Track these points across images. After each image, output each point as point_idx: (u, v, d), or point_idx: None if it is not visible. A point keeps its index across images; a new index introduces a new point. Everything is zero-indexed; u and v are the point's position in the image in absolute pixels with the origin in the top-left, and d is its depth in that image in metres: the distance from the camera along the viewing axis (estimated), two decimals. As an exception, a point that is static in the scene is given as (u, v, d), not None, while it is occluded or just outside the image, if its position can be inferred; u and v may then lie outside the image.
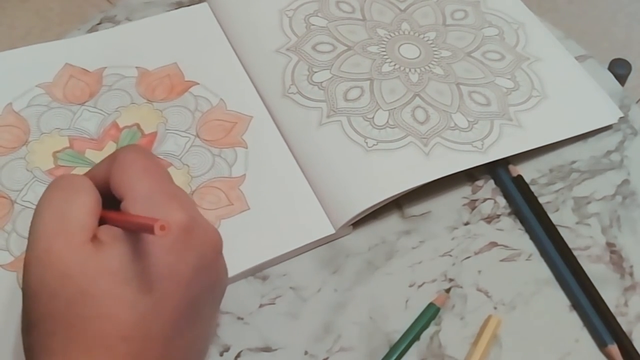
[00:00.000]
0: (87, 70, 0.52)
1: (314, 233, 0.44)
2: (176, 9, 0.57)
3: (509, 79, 0.52)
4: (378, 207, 0.45)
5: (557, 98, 0.51)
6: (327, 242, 0.45)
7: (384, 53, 0.53)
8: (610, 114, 0.51)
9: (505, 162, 0.48)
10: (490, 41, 0.54)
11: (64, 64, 0.52)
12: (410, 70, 0.51)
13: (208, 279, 0.33)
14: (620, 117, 0.51)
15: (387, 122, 0.48)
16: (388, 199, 0.45)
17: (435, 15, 0.56)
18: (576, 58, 0.54)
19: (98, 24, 0.57)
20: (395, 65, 0.52)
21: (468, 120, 0.49)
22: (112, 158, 0.34)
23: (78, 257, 0.30)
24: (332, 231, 0.44)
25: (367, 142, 0.47)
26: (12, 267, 0.42)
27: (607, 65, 0.58)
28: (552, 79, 0.52)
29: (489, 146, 0.47)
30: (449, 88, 0.50)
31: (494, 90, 0.51)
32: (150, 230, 0.27)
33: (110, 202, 0.33)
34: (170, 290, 0.31)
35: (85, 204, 0.32)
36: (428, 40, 0.54)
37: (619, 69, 0.57)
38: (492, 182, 0.48)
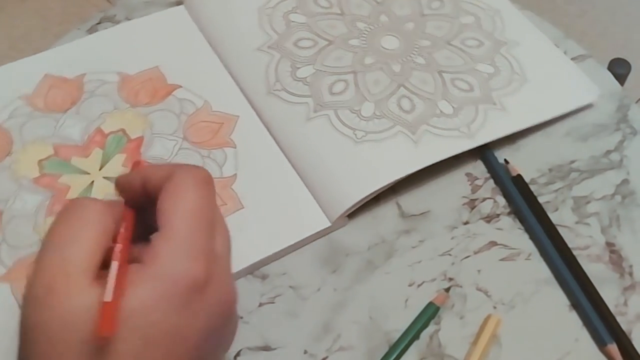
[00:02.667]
0: (66, 78, 0.51)
1: (310, 227, 0.44)
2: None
3: (489, 64, 0.52)
4: (372, 197, 0.45)
5: (537, 80, 0.52)
6: (324, 235, 0.45)
7: (365, 45, 0.53)
8: (589, 93, 0.52)
9: (503, 161, 0.48)
10: (467, 29, 0.55)
11: (43, 75, 0.51)
12: (392, 61, 0.52)
13: (216, 340, 0.32)
14: (620, 117, 0.51)
15: (374, 113, 0.48)
16: (381, 188, 0.45)
17: (411, 6, 0.57)
18: (576, 58, 0.55)
19: (97, 23, 0.56)
20: (377, 57, 0.52)
21: (453, 107, 0.49)
22: (172, 172, 0.32)
23: (80, 301, 0.28)
24: (328, 224, 0.44)
25: (356, 134, 0.47)
26: (5, 279, 0.41)
27: (606, 65, 0.57)
28: (530, 62, 0.53)
29: (476, 131, 0.48)
30: (431, 76, 0.51)
31: (475, 76, 0.51)
32: (98, 325, 0.27)
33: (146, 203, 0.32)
34: (175, 352, 0.29)
35: (89, 241, 0.30)
36: (407, 30, 0.54)
37: (619, 69, 0.58)
38: (491, 181, 0.48)
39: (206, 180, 0.32)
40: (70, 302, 0.28)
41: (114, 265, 0.29)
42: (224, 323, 0.32)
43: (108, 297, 0.27)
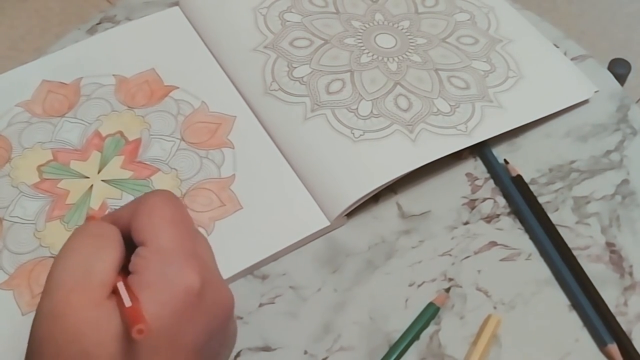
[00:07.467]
0: (64, 83, 0.51)
1: (309, 227, 0.44)
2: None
3: (484, 61, 0.53)
4: (371, 196, 0.45)
5: (533, 77, 0.52)
6: (323, 235, 0.45)
7: (361, 44, 0.53)
8: (585, 90, 0.52)
9: (504, 161, 0.48)
10: (462, 26, 0.55)
11: (40, 81, 0.51)
12: (388, 59, 0.52)
13: (217, 343, 0.33)
14: (620, 117, 0.51)
15: (371, 111, 0.48)
16: (380, 187, 0.45)
17: (406, 4, 0.57)
18: (576, 58, 0.55)
19: (98, 23, 0.56)
20: (373, 55, 0.52)
21: (450, 105, 0.49)
22: (138, 201, 0.33)
23: (92, 314, 0.28)
24: (327, 223, 0.44)
25: (353, 133, 0.47)
26: (7, 285, 0.41)
27: (606, 65, 0.57)
28: (526, 59, 0.53)
29: (473, 128, 0.48)
30: (428, 74, 0.51)
31: (471, 74, 0.52)
32: (130, 327, 0.27)
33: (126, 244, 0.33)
34: (176, 357, 0.30)
35: (112, 259, 0.30)
36: (402, 29, 0.54)
37: (619, 69, 0.57)
38: (491, 181, 0.48)
39: (174, 196, 0.34)
40: (82, 314, 0.28)
41: (119, 281, 0.30)
42: (224, 325, 0.32)
43: (128, 303, 0.28)
